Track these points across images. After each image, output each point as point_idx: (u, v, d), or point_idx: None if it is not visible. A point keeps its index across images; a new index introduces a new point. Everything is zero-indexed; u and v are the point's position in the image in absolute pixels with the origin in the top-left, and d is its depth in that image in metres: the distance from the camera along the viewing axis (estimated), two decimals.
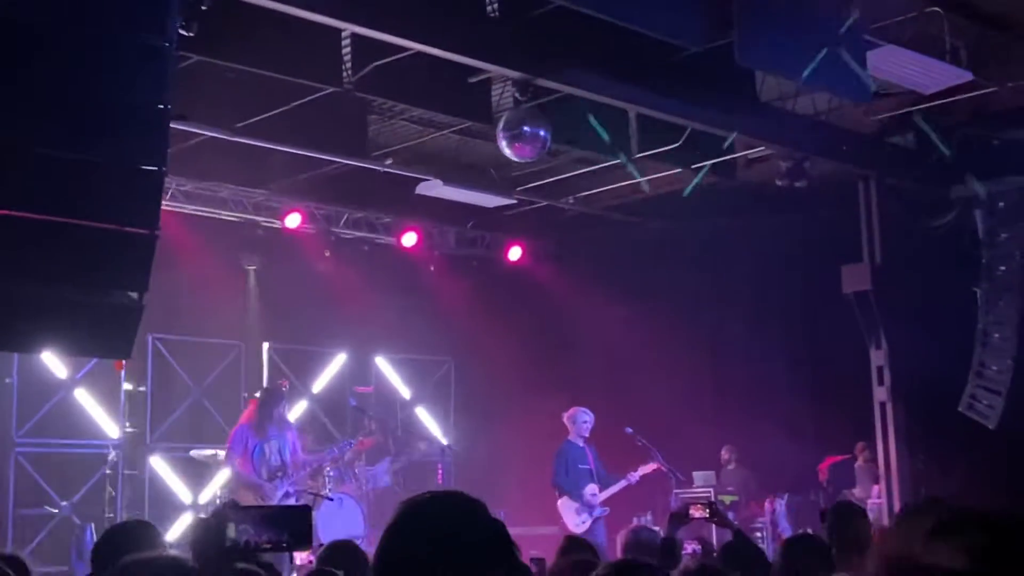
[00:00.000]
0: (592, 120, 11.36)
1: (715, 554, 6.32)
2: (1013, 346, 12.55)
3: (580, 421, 11.97)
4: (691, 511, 6.82)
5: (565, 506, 11.87)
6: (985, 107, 11.83)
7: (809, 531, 8.47)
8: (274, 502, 10.90)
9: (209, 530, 3.62)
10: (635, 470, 11.94)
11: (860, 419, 13.12)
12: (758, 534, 12.92)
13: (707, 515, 6.82)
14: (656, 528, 9.30)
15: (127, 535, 4.41)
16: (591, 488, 11.80)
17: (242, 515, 3.56)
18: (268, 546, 3.73)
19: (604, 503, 11.93)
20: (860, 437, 13.51)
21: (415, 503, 2.26)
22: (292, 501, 10.81)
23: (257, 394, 11.74)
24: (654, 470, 12.57)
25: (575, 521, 11.72)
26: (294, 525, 4.17)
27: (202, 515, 11.37)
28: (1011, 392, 12.39)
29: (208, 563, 3.30)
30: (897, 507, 12.32)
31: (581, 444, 11.99)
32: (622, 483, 11.94)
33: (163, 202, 8.39)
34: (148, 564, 2.37)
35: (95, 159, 6.91)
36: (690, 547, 6.59)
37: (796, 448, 13.83)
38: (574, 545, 5.86)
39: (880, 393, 12.71)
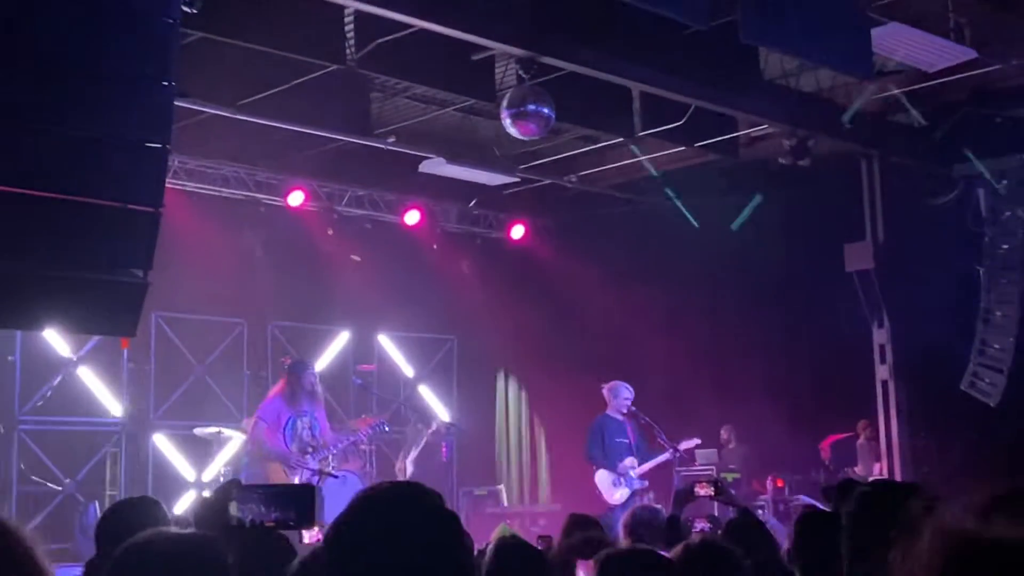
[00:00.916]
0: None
1: (720, 531, 6.31)
2: (1015, 324, 12.57)
3: (621, 396, 11.77)
4: (696, 489, 6.78)
5: (602, 479, 11.68)
6: (989, 85, 11.81)
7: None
8: (302, 478, 10.87)
9: (211, 508, 3.63)
10: (678, 443, 11.84)
11: (862, 397, 13.14)
12: (759, 511, 12.95)
13: (712, 493, 6.79)
14: (659, 506, 9.32)
15: (131, 511, 4.42)
16: (629, 461, 11.66)
17: (245, 493, 3.57)
18: (272, 524, 3.73)
19: (643, 477, 11.81)
20: (861, 416, 13.54)
21: (368, 494, 2.26)
22: (316, 480, 10.72)
23: (286, 366, 11.64)
24: (696, 446, 12.57)
25: (612, 494, 11.59)
26: (299, 503, 4.17)
27: (205, 493, 11.38)
28: (1013, 370, 12.41)
29: None
30: None
31: (620, 418, 11.76)
32: (664, 456, 11.77)
33: (167, 180, 8.40)
34: (172, 542, 2.37)
35: (99, 136, 6.91)
36: (699, 525, 6.56)
37: (797, 427, 13.86)
38: (580, 523, 5.83)
39: (882, 371, 12.74)
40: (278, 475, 10.86)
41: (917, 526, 1.24)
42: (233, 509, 3.19)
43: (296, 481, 10.57)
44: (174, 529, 2.43)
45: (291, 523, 3.44)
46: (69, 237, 6.83)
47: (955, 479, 12.39)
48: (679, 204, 13.48)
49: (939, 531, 1.19)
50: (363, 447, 12.85)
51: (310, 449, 11.02)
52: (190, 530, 2.40)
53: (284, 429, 10.94)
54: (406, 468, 13.59)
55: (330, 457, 11.28)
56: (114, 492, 12.91)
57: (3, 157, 6.64)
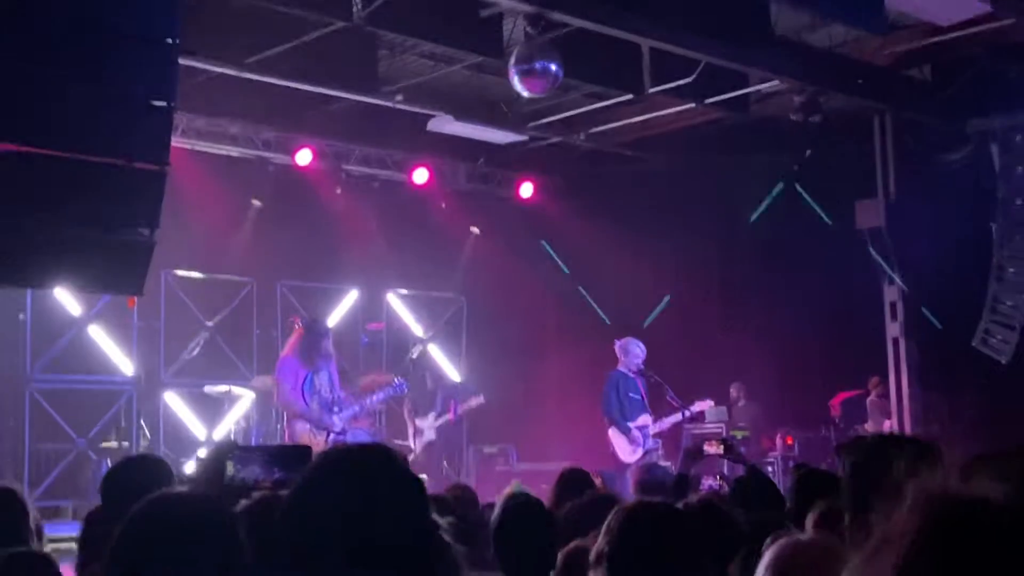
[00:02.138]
0: None
1: (728, 489, 6.30)
2: None
3: (632, 353, 11.65)
4: (705, 447, 6.77)
5: (616, 436, 11.55)
6: (1003, 39, 11.66)
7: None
8: (330, 436, 10.92)
9: (208, 468, 3.63)
10: (689, 404, 11.73)
11: (872, 355, 13.11)
12: (769, 468, 12.96)
13: (721, 451, 6.79)
14: (667, 464, 9.33)
15: (136, 469, 4.42)
16: (643, 419, 11.57)
17: (243, 454, 3.57)
18: (269, 485, 3.73)
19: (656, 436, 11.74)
20: (872, 373, 13.52)
21: (331, 454, 2.23)
22: (348, 437, 10.77)
23: (296, 325, 11.63)
24: (710, 407, 12.51)
25: (627, 451, 11.52)
26: (296, 464, 4.17)
27: (200, 452, 11.43)
28: None
29: None
30: None
31: (632, 375, 11.65)
32: (676, 417, 11.70)
33: (173, 139, 8.37)
34: (181, 504, 2.36)
35: (104, 95, 6.88)
36: (707, 483, 6.56)
37: (808, 384, 13.86)
38: (574, 479, 5.74)
39: (893, 329, 12.71)
40: (306, 438, 10.92)
41: (900, 487, 1.21)
42: (230, 469, 3.18)
43: (321, 442, 10.65)
44: (180, 489, 2.41)
45: (288, 484, 3.42)
46: (75, 195, 6.82)
47: (966, 436, 12.40)
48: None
49: (920, 492, 1.16)
50: (379, 407, 12.90)
51: (335, 409, 11.02)
52: (196, 491, 2.38)
53: (303, 387, 10.97)
54: (423, 431, 13.58)
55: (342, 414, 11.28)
56: (125, 444, 12.96)
57: (8, 116, 6.62)
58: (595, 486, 5.79)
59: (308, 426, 10.88)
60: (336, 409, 11.04)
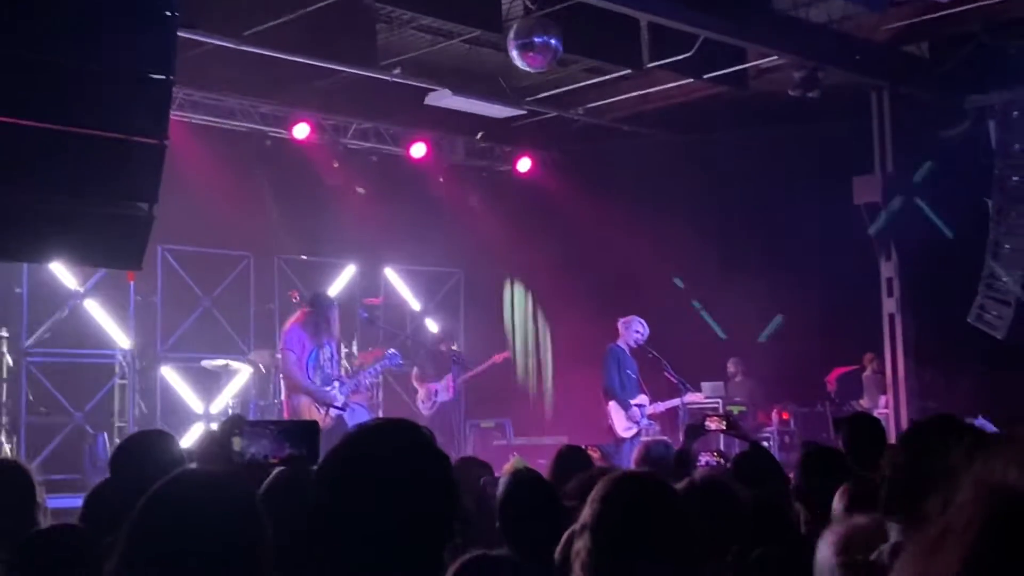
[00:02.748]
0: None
1: (728, 466, 6.29)
2: None
3: (634, 330, 11.59)
4: (707, 422, 6.76)
5: (615, 411, 11.53)
6: (1001, 15, 11.63)
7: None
8: (333, 410, 10.98)
9: (214, 443, 3.63)
10: (687, 385, 11.71)
11: (869, 330, 13.14)
12: (765, 443, 13.01)
13: (724, 427, 6.77)
14: (669, 441, 9.33)
15: (146, 444, 4.44)
16: (642, 398, 11.58)
17: (252, 429, 3.57)
18: (275, 460, 3.74)
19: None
20: (868, 349, 13.55)
21: (361, 432, 2.24)
22: (347, 412, 10.83)
23: (295, 300, 11.63)
24: (702, 398, 12.53)
25: (624, 426, 11.51)
26: (303, 439, 4.17)
27: (213, 425, 11.43)
28: (1021, 302, 12.38)
29: None
30: (904, 418, 12.39)
31: (629, 352, 11.66)
32: (674, 401, 11.71)
33: (171, 112, 8.35)
34: (201, 483, 2.36)
35: (101, 68, 6.85)
36: (704, 459, 6.54)
37: (804, 359, 13.89)
38: (571, 457, 5.74)
39: (889, 304, 12.72)
40: (310, 411, 10.96)
41: (958, 476, 1.20)
42: (236, 445, 3.18)
43: (322, 416, 10.71)
44: (196, 467, 2.40)
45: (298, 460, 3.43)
46: (72, 169, 6.80)
47: (961, 412, 12.43)
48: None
49: (981, 485, 1.16)
50: (375, 380, 12.93)
51: (336, 383, 11.08)
52: (216, 470, 2.38)
53: (307, 361, 11.01)
54: (439, 392, 13.54)
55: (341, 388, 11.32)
56: (123, 424, 12.97)
57: (6, 89, 6.59)
58: (592, 464, 5.79)
59: (309, 400, 10.92)
60: (338, 384, 11.11)
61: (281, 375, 11.52)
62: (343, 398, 11.08)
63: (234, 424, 3.21)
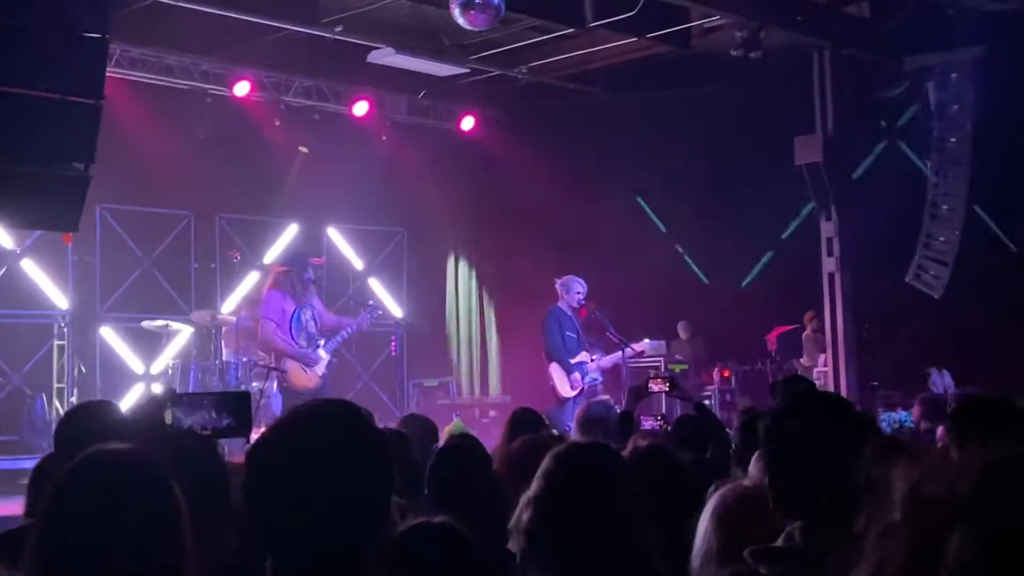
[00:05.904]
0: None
1: (669, 428, 6.29)
2: (960, 218, 12.70)
3: (573, 290, 11.59)
4: (650, 385, 6.69)
5: (557, 372, 11.51)
6: None
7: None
8: (319, 370, 10.97)
9: (147, 416, 3.61)
10: (629, 344, 11.70)
11: (808, 290, 13.28)
12: (706, 402, 13.14)
13: (667, 388, 6.73)
14: (606, 397, 9.36)
15: (89, 415, 4.39)
16: (582, 355, 11.61)
17: (181, 401, 3.55)
18: (208, 432, 3.72)
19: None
20: (808, 307, 13.70)
21: (295, 417, 2.23)
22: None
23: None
24: (648, 348, 12.55)
25: (566, 387, 11.52)
26: (235, 410, 4.14)
27: (141, 398, 11.38)
28: (957, 262, 12.57)
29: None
30: (843, 376, 12.55)
31: (570, 312, 11.64)
32: (617, 355, 11.72)
33: (108, 69, 8.21)
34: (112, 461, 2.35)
35: (36, 26, 6.72)
36: (647, 423, 6.53)
37: (745, 318, 14.02)
38: (524, 419, 5.72)
39: (829, 264, 12.85)
40: (297, 374, 10.95)
41: (876, 486, 1.17)
42: (169, 417, 3.17)
43: (315, 379, 10.79)
44: (115, 445, 2.39)
45: (227, 430, 3.42)
46: (6, 130, 6.69)
47: (898, 369, 12.64)
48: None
49: (911, 505, 1.14)
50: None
51: (320, 342, 11.10)
52: (129, 447, 2.36)
53: (290, 323, 10.98)
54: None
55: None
56: (61, 385, 12.86)
57: None
58: (546, 426, 5.79)
59: (297, 364, 10.92)
60: (322, 343, 11.12)
61: (259, 343, 11.44)
62: (328, 355, 11.13)
63: (164, 399, 3.19)
